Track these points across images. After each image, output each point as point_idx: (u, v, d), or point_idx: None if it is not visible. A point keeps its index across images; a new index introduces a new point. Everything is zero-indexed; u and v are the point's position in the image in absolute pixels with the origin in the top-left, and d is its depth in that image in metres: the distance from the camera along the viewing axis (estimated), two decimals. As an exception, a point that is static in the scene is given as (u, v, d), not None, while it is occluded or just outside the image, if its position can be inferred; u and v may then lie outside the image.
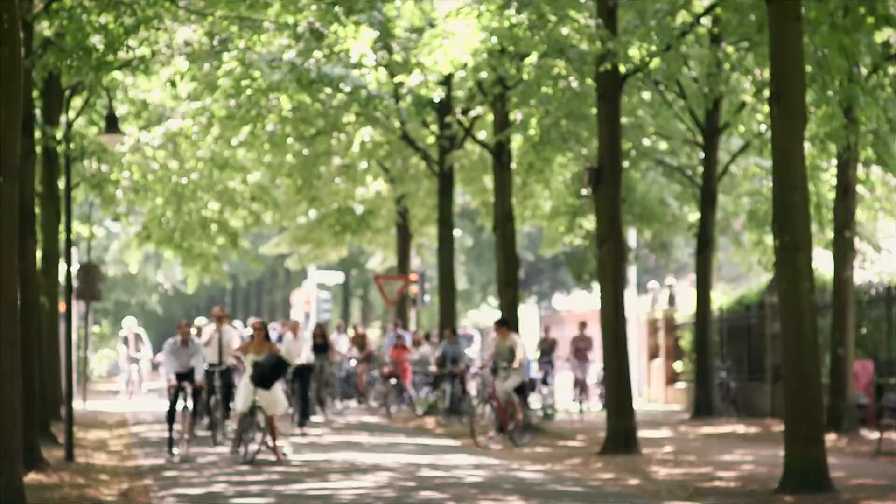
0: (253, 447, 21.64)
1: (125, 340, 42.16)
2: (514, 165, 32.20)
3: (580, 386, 35.94)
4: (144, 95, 34.58)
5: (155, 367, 49.58)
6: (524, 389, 26.18)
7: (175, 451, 22.66)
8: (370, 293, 76.09)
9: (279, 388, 22.65)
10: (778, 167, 17.70)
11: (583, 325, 36.30)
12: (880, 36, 22.95)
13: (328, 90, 29.70)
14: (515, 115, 30.83)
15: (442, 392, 32.68)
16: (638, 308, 43.71)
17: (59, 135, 26.19)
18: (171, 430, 22.92)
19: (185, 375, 23.15)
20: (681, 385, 39.95)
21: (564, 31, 24.55)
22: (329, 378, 33.31)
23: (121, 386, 45.66)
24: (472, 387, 32.51)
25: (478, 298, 73.76)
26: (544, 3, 24.46)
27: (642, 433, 25.47)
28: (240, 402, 22.39)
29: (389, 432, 29.08)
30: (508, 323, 26.72)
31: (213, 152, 36.13)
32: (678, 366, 40.29)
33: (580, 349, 35.77)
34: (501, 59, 26.57)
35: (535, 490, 17.56)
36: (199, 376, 23.08)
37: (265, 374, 22.01)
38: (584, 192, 35.65)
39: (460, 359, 31.94)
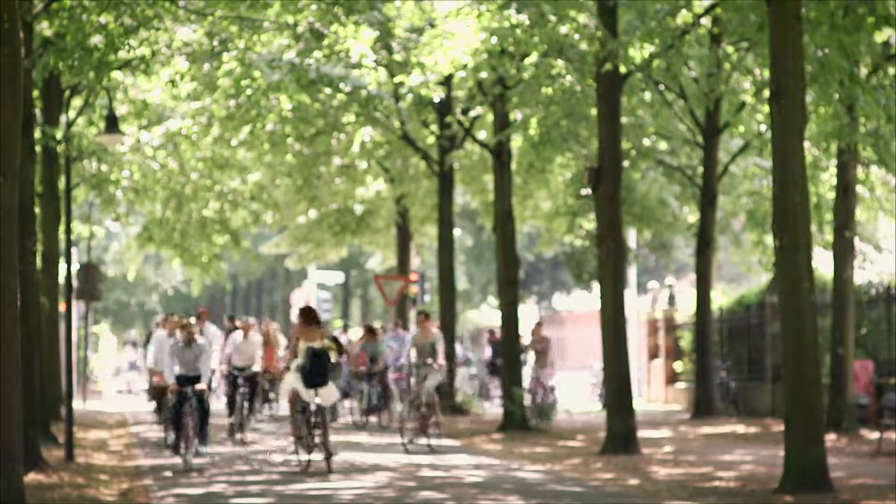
0: (317, 447, 19.74)
1: (134, 344, 42.12)
2: (514, 165, 32.20)
3: (538, 390, 32.16)
4: (144, 95, 34.59)
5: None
6: (439, 389, 24.97)
7: (187, 455, 20.74)
8: (370, 293, 76.12)
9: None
10: (778, 167, 17.70)
11: (538, 325, 33.91)
12: (880, 36, 22.95)
13: (328, 90, 29.70)
14: (515, 115, 30.83)
15: (360, 392, 31.63)
16: (638, 308, 43.71)
17: (59, 135, 26.19)
18: (178, 438, 20.87)
19: (189, 379, 20.94)
20: (681, 385, 39.95)
21: (564, 31, 24.55)
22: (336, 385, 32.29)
23: (121, 385, 45.74)
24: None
25: (478, 298, 73.77)
26: (544, 3, 24.47)
27: (642, 433, 25.47)
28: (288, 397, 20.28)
29: (389, 432, 29.07)
30: (430, 315, 24.93)
31: (213, 152, 36.16)
32: (678, 366, 40.31)
33: (538, 352, 32.40)
34: (501, 59, 26.57)
35: (535, 490, 17.55)
36: (205, 379, 20.89)
37: (312, 375, 19.95)
38: (584, 192, 35.68)
39: (378, 357, 31.02)
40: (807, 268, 17.48)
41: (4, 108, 14.62)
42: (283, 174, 38.74)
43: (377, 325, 38.56)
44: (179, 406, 20.95)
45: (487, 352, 42.63)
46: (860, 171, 28.71)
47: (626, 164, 32.71)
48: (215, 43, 28.32)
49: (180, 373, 21.00)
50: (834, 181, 28.06)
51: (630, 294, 41.89)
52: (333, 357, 20.71)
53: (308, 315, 20.53)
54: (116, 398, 42.60)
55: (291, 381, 20.23)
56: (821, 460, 17.16)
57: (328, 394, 20.28)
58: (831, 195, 28.95)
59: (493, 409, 36.96)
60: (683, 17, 26.55)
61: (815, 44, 20.98)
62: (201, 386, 20.83)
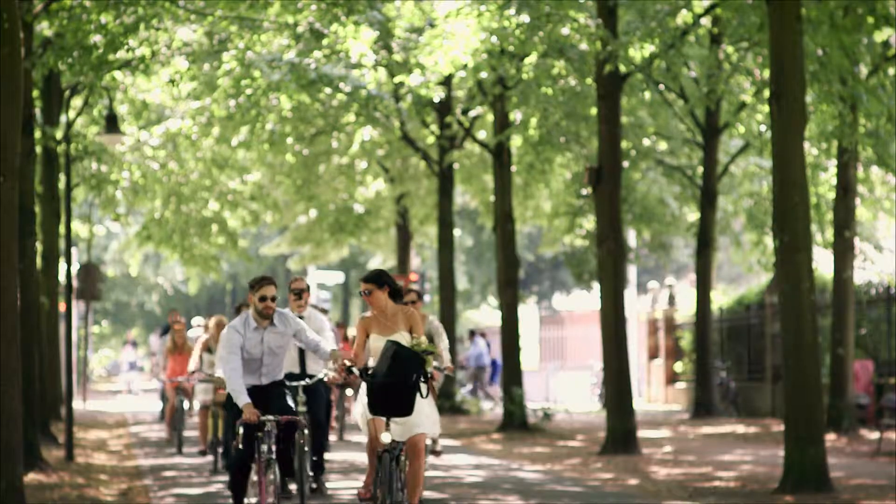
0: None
1: (134, 344, 42.16)
2: (514, 166, 32.19)
3: None
4: (144, 95, 34.59)
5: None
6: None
7: None
8: (370, 293, 76.07)
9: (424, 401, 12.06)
10: (778, 167, 17.70)
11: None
12: (880, 36, 22.96)
13: (328, 90, 29.68)
14: (515, 115, 30.83)
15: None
16: (638, 308, 43.72)
17: (59, 135, 26.20)
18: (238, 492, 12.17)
19: (266, 395, 12.20)
20: (681, 385, 39.95)
21: (565, 31, 24.55)
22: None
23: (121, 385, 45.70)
24: None
25: (478, 298, 73.75)
26: (544, 3, 24.47)
27: (642, 433, 25.47)
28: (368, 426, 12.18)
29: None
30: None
31: (213, 152, 36.16)
32: (678, 366, 40.31)
33: None
34: (501, 59, 26.57)
35: (535, 490, 17.55)
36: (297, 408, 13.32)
37: (383, 394, 11.74)
38: (584, 191, 35.69)
39: None
40: (807, 268, 17.48)
41: (4, 108, 14.62)
42: (282, 174, 38.74)
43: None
44: (249, 450, 12.00)
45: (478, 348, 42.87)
46: (860, 171, 28.71)
47: (626, 164, 32.71)
48: (215, 43, 28.30)
49: (251, 383, 12.08)
50: (834, 181, 28.06)
51: (630, 294, 41.89)
52: (434, 366, 12.27)
53: (382, 283, 12.15)
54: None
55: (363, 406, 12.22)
56: (821, 460, 17.16)
57: (413, 424, 12.05)
58: (831, 195, 28.95)
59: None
60: (683, 17, 26.55)
61: (815, 44, 20.99)
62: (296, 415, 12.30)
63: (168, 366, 23.93)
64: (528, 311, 59.30)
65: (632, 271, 43.52)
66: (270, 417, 11.80)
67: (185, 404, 24.33)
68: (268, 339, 12.19)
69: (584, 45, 24.99)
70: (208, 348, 19.83)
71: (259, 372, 12.26)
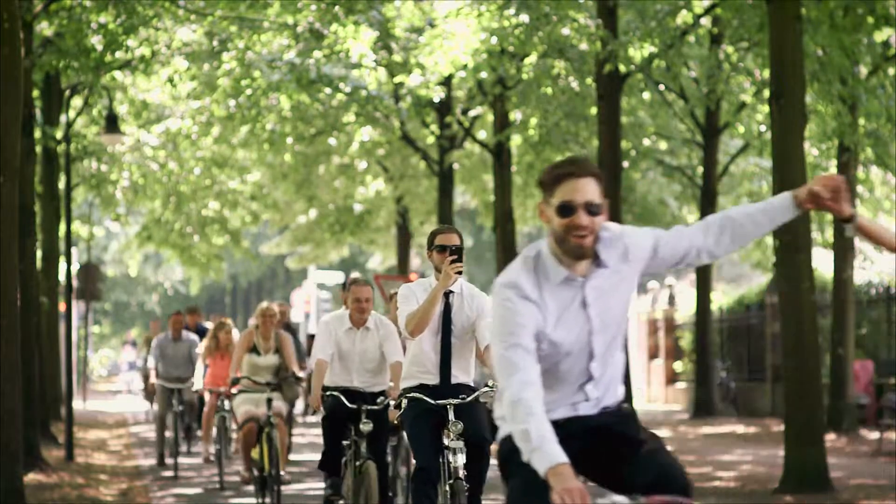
0: None
1: (133, 344, 42.06)
2: (514, 166, 32.19)
3: None
4: (144, 95, 34.60)
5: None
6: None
7: None
8: (370, 293, 76.20)
9: None
10: (778, 167, 17.69)
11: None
12: (880, 36, 22.97)
13: (328, 90, 29.67)
14: (515, 115, 30.83)
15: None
16: (638, 308, 43.73)
17: (59, 135, 26.20)
18: None
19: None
20: (681, 385, 39.95)
21: (565, 31, 24.55)
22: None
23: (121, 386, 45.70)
24: None
25: (478, 298, 73.83)
26: (544, 2, 24.47)
27: (642, 433, 25.42)
28: None
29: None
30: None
31: (213, 152, 36.17)
32: (678, 366, 40.31)
33: None
34: (501, 59, 26.58)
35: (535, 490, 17.51)
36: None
37: None
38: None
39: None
40: (807, 268, 17.47)
41: (4, 108, 14.62)
42: (281, 175, 38.75)
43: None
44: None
45: None
46: (860, 171, 28.72)
47: (626, 164, 32.70)
48: (215, 43, 28.30)
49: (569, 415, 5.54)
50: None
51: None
52: None
53: None
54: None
55: None
56: (821, 460, 17.15)
57: None
58: (831, 195, 28.91)
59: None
60: (683, 17, 26.55)
61: (815, 44, 20.99)
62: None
63: (208, 371, 18.37)
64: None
65: (632, 271, 43.50)
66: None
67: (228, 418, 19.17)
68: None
69: (584, 45, 24.98)
70: (254, 347, 15.22)
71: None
